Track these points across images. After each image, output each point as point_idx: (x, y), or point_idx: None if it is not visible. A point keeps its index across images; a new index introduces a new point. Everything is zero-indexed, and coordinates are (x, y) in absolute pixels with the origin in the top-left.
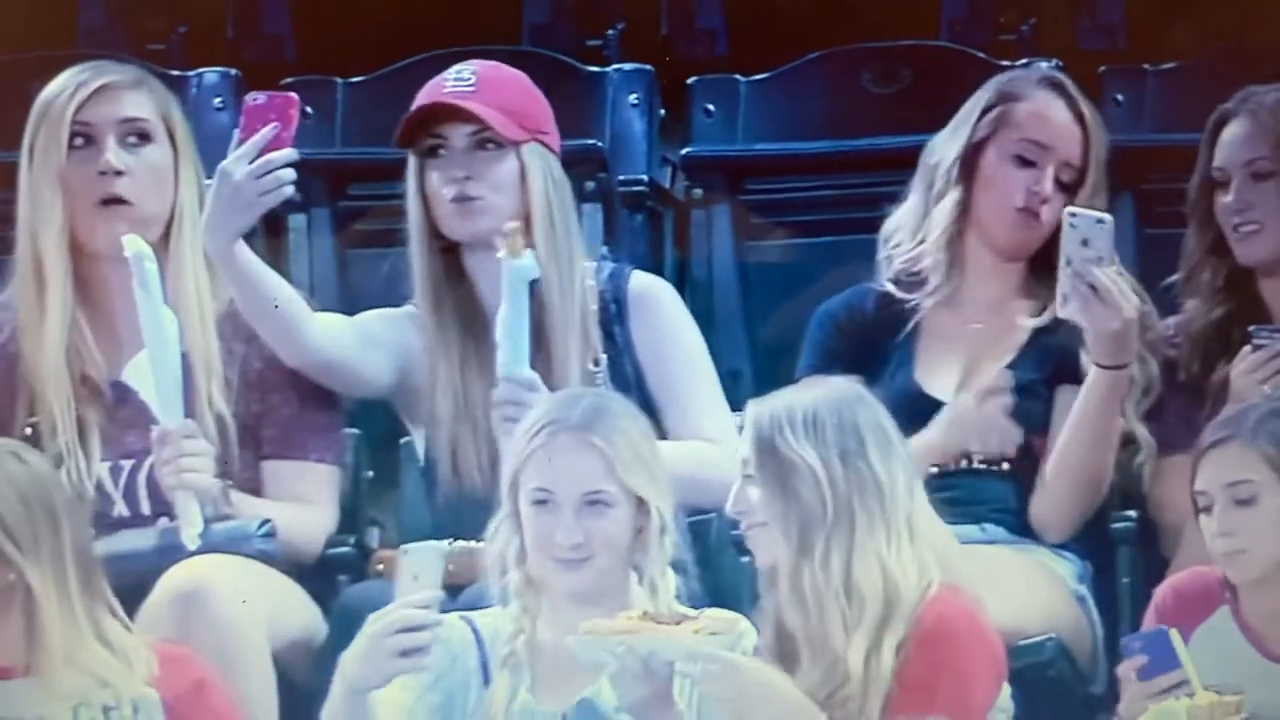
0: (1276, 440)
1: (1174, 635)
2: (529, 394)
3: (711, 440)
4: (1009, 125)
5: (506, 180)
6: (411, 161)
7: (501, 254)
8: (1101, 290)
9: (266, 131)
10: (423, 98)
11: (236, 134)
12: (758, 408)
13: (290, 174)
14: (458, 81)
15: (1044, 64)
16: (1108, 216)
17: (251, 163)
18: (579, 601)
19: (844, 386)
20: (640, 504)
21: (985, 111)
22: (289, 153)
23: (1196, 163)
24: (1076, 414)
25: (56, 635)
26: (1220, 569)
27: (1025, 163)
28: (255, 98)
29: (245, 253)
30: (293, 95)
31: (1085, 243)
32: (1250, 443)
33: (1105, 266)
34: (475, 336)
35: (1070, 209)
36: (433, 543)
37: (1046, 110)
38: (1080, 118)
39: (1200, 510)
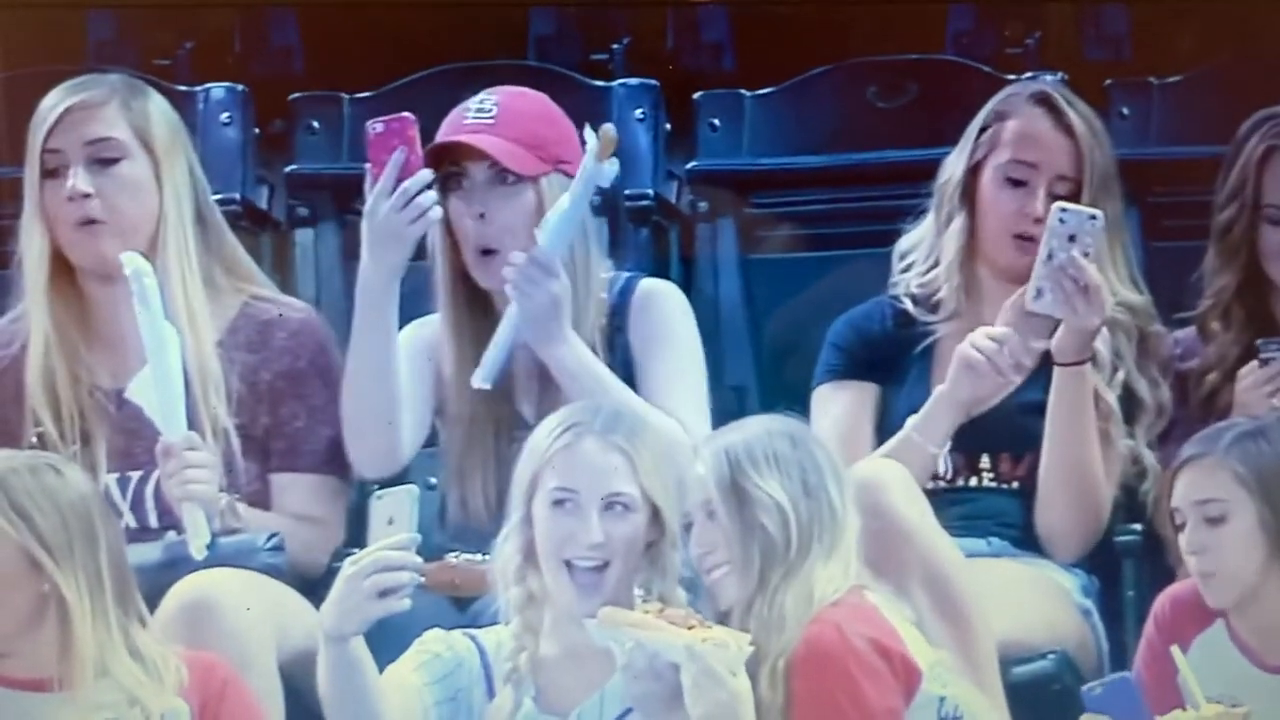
0: (1249, 459)
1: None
2: (545, 276)
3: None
4: (1000, 146)
5: (523, 216)
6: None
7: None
8: (1091, 287)
9: (397, 158)
10: (443, 131)
11: (368, 169)
12: (713, 447)
13: (431, 196)
14: (478, 114)
15: (1049, 76)
16: (1099, 213)
17: (390, 196)
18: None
19: (789, 420)
20: (654, 514)
21: (981, 132)
22: (424, 175)
23: (1224, 187)
24: (1052, 419)
25: (89, 648)
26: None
27: (1016, 183)
28: (375, 126)
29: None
30: (408, 116)
31: (1073, 238)
32: (1222, 461)
33: (1093, 263)
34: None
35: (1061, 204)
36: (405, 486)
37: (1031, 128)
38: (1069, 129)
39: (1175, 527)
